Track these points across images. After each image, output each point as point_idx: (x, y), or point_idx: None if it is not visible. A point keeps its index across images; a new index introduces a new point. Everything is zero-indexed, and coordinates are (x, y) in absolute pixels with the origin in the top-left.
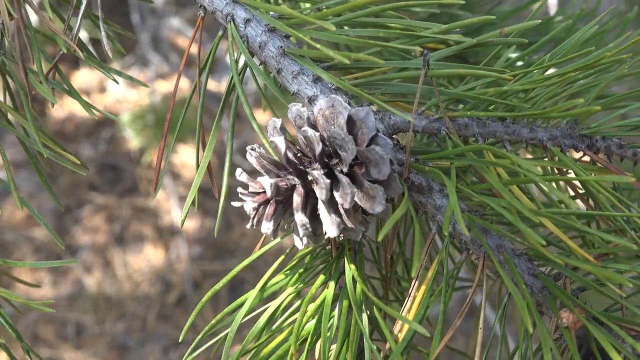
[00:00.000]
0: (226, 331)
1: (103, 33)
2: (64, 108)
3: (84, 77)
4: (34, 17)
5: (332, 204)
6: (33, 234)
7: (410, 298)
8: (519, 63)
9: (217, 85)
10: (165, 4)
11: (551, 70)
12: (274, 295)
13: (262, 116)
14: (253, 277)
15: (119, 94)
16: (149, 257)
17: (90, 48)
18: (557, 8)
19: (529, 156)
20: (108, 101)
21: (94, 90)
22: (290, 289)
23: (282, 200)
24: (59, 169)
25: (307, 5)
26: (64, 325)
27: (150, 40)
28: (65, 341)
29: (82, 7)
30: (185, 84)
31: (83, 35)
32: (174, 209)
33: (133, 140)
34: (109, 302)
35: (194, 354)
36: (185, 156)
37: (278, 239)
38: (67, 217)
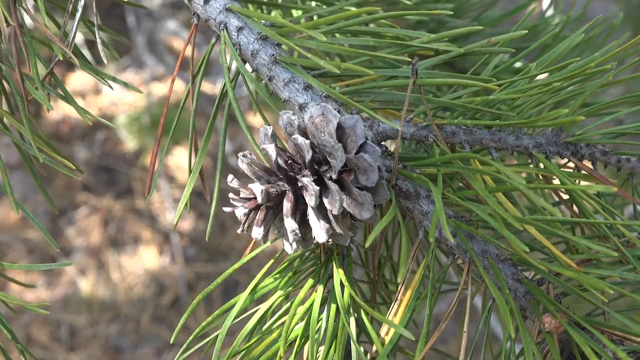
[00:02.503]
0: (217, 332)
1: (98, 40)
2: (59, 110)
3: (79, 79)
4: (28, 22)
5: (321, 210)
6: (27, 235)
7: (397, 302)
8: (516, 64)
9: (212, 87)
10: (161, 6)
11: (541, 76)
12: (264, 298)
13: (254, 119)
14: (246, 280)
15: (114, 96)
16: (144, 259)
17: (86, 50)
18: (551, 11)
19: (516, 162)
20: (103, 103)
21: (89, 92)
22: (279, 292)
23: (272, 206)
24: (53, 170)
25: (299, 12)
26: (58, 327)
27: (146, 43)
28: (59, 343)
29: (78, 15)
30: (181, 87)
31: (78, 37)
32: (168, 212)
33: (129, 142)
34: (103, 304)
35: (186, 354)
36: (181, 158)
37: (269, 243)
38: (61, 219)
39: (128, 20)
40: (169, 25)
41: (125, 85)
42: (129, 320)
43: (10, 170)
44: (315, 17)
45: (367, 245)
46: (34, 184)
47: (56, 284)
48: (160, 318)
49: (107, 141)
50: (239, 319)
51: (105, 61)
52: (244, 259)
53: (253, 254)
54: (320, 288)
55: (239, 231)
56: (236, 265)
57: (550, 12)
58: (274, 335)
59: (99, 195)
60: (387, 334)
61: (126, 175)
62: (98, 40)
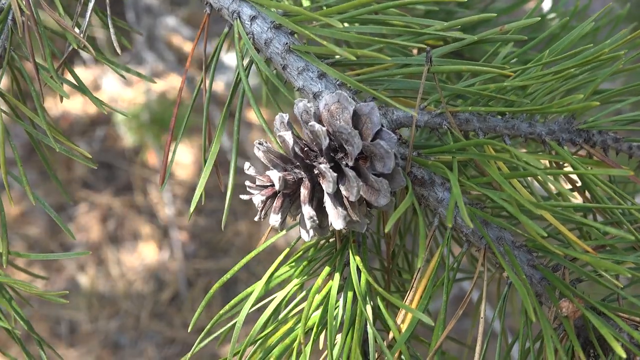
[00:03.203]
0: (233, 321)
1: (111, 29)
2: (58, 107)
3: (78, 75)
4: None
5: (338, 197)
6: (27, 231)
7: (413, 289)
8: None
9: (212, 85)
10: (161, 2)
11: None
12: (274, 289)
13: (262, 112)
14: (246, 277)
15: (114, 93)
16: (143, 255)
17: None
18: (552, 5)
19: (525, 151)
20: (103, 99)
21: (88, 88)
22: (295, 281)
23: (289, 194)
24: (53, 167)
25: (307, 3)
26: (58, 323)
27: (145, 39)
28: (58, 339)
29: (91, 5)
30: (180, 83)
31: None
32: (167, 207)
33: (128, 138)
34: (103, 300)
35: (194, 350)
36: (181, 155)
37: (277, 236)
38: (61, 215)
39: (127, 17)
40: (168, 21)
41: (138, 75)
42: (128, 316)
43: (13, 167)
44: (324, 8)
45: (387, 229)
46: (36, 180)
47: (56, 279)
48: (160, 314)
49: (106, 138)
50: (254, 308)
51: (118, 50)
52: (262, 246)
53: (266, 244)
54: (337, 276)
55: (255, 219)
56: (249, 257)
57: (551, 16)
58: (290, 324)
59: (99, 191)
60: (403, 321)
61: (125, 171)
62: (111, 29)
